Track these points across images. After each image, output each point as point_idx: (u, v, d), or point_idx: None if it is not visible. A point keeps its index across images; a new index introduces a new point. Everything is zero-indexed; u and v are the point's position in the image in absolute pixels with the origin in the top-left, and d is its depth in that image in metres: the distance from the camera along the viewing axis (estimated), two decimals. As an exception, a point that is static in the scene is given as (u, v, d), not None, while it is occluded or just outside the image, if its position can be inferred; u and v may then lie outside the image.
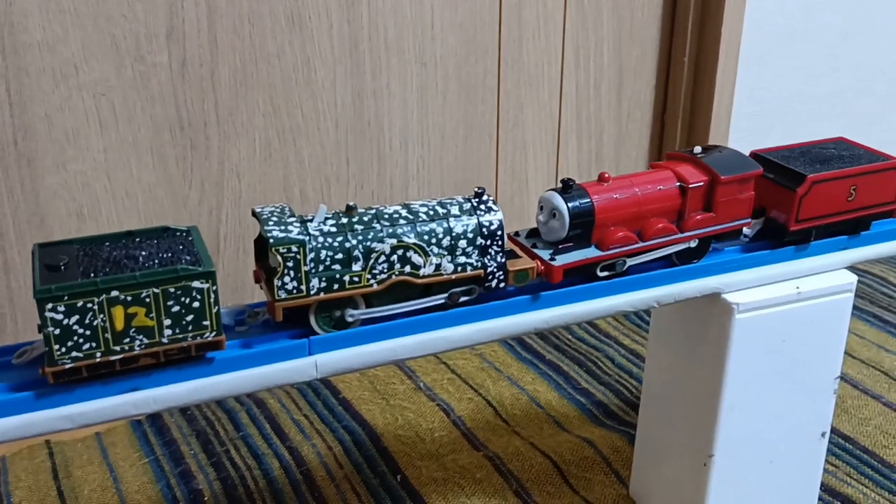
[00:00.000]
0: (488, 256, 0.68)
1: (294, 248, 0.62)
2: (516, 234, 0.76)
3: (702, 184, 0.75)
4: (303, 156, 1.18)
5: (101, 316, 0.58)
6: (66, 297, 0.57)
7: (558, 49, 1.32)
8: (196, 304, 0.60)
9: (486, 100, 1.29)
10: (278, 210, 0.66)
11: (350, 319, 0.65)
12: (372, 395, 1.16)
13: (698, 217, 0.76)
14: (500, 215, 0.68)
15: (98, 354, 0.59)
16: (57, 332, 0.57)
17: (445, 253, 0.67)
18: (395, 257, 0.65)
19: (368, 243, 0.65)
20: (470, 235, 0.67)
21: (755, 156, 0.82)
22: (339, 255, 0.64)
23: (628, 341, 1.29)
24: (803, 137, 0.90)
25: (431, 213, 0.67)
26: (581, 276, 0.73)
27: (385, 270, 0.65)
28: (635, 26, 1.38)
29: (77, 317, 0.57)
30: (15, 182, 1.01)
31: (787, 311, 0.78)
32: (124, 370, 0.60)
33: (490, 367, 1.23)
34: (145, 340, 0.60)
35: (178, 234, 0.64)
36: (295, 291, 0.63)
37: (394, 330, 0.66)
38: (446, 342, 0.68)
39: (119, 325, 0.58)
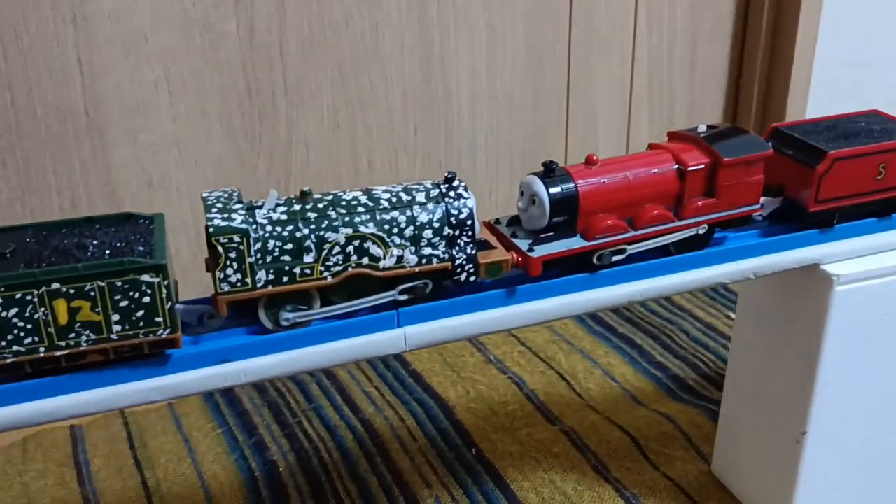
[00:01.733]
0: (457, 248, 0.62)
1: (237, 238, 0.57)
2: (497, 221, 0.70)
3: (702, 166, 0.69)
4: (370, 125, 1.16)
5: (43, 309, 0.54)
6: (2, 289, 0.53)
7: (630, 13, 1.28)
8: (146, 300, 0.56)
9: (555, 67, 1.25)
10: (226, 196, 0.61)
11: (285, 323, 0.60)
12: (442, 368, 1.15)
13: (699, 203, 0.69)
14: (471, 202, 0.62)
15: (41, 349, 0.55)
16: None
17: (408, 244, 0.61)
18: (350, 248, 0.60)
19: (322, 233, 0.59)
20: (436, 225, 0.62)
21: (776, 131, 0.76)
22: (289, 246, 0.59)
23: (703, 314, 1.25)
24: (890, 105, 0.85)
25: (394, 199, 0.62)
26: (570, 265, 0.67)
27: (340, 262, 0.60)
28: (709, -12, 1.33)
29: (16, 309, 0.54)
30: (86, 153, 1.01)
31: (891, 282, 0.75)
32: (72, 366, 0.57)
33: (561, 340, 1.20)
34: (92, 336, 0.56)
35: (140, 221, 0.60)
36: (239, 284, 0.58)
37: (478, 303, 0.64)
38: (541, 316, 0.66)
39: (62, 319, 0.55)
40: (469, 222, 0.62)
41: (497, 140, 1.24)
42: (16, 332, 0.54)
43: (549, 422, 1.03)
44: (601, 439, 0.99)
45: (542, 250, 0.65)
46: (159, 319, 0.56)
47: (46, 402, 0.57)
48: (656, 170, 0.69)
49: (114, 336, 0.56)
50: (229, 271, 0.58)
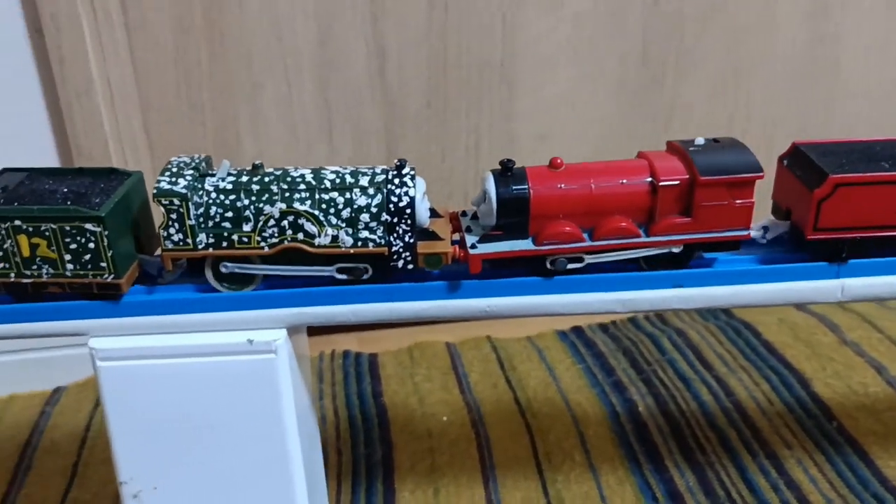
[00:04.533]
0: (395, 235, 0.63)
1: (176, 201, 0.62)
2: (463, 213, 0.70)
3: (677, 182, 0.64)
4: (750, 95, 1.19)
5: (10, 241, 0.62)
6: None
7: None
8: (91, 245, 0.62)
9: (954, 50, 1.20)
10: (187, 161, 0.65)
11: (223, 270, 0.64)
12: (795, 342, 1.16)
13: (672, 221, 0.65)
14: (412, 192, 0.63)
15: (12, 275, 0.64)
16: None
17: (344, 225, 0.63)
18: (285, 223, 0.63)
19: (260, 205, 0.63)
20: (374, 210, 0.63)
21: (795, 149, 0.69)
22: (230, 214, 0.63)
23: None
24: None
25: (337, 181, 0.63)
26: (528, 269, 0.66)
27: (276, 235, 0.63)
28: None
29: None
30: (495, 101, 1.13)
31: None
32: (41, 294, 0.65)
33: (923, 333, 1.17)
34: (51, 270, 0.63)
35: (120, 175, 0.67)
36: (181, 244, 0.63)
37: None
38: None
39: (25, 252, 0.63)
40: (408, 211, 0.63)
41: (881, 118, 1.22)
42: None
43: (914, 409, 1.02)
44: (976, 434, 0.97)
45: (484, 248, 0.65)
46: (104, 265, 0.63)
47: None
48: (625, 180, 0.65)
49: (68, 273, 0.63)
50: (171, 230, 0.63)
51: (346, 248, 0.63)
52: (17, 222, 0.62)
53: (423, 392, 1.10)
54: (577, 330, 1.23)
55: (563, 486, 0.92)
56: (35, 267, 0.63)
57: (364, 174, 0.64)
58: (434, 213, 0.68)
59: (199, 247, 0.63)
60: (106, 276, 0.63)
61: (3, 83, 0.98)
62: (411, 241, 0.64)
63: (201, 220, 0.63)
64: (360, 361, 1.17)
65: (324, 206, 0.63)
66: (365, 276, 0.65)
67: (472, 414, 1.04)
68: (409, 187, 0.63)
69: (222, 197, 0.63)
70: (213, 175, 0.64)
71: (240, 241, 0.63)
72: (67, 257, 0.63)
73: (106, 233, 0.62)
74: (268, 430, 0.66)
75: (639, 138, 1.18)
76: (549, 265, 0.65)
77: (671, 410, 1.04)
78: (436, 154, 1.15)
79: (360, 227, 0.63)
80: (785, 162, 0.70)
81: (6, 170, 0.68)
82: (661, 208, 0.65)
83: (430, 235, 0.66)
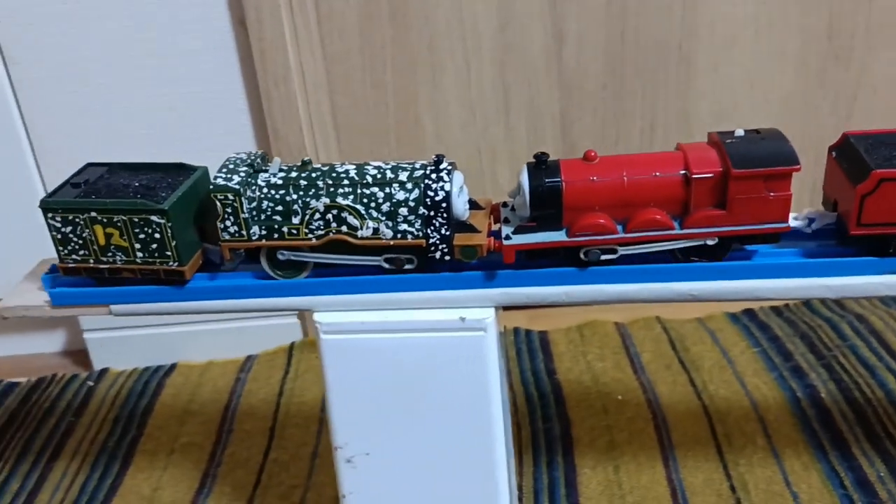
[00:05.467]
0: (432, 227, 0.66)
1: (231, 196, 0.66)
2: (504, 204, 0.71)
3: (711, 175, 0.64)
4: (944, 72, 1.13)
5: (87, 231, 0.68)
6: (60, 210, 0.68)
7: None
8: (157, 236, 0.68)
9: None
10: (243, 158, 0.69)
11: (281, 258, 0.69)
12: None
13: (707, 213, 0.65)
14: (447, 186, 0.65)
15: (91, 261, 0.70)
16: (59, 236, 0.70)
17: (384, 218, 0.66)
18: (330, 216, 0.66)
19: (307, 199, 0.66)
20: (412, 204, 0.66)
21: (845, 139, 0.66)
22: (280, 208, 0.67)
23: None
24: None
25: (378, 176, 0.66)
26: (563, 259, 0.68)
27: (322, 227, 0.67)
28: None
29: (70, 227, 0.69)
30: (672, 80, 1.13)
31: None
32: (116, 279, 0.71)
33: None
34: (123, 258, 0.69)
35: (187, 170, 0.72)
36: (237, 235, 0.68)
37: None
38: None
39: (101, 241, 0.69)
40: (444, 205, 0.65)
41: None
42: (72, 244, 0.70)
43: None
44: None
45: (518, 239, 0.66)
46: (168, 253, 0.69)
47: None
48: (658, 173, 0.65)
49: (138, 260, 0.69)
50: (227, 223, 0.67)
51: (386, 240, 0.67)
52: (94, 214, 0.68)
53: (596, 370, 1.11)
54: (750, 313, 1.21)
55: (745, 470, 0.92)
56: (110, 254, 0.70)
57: (404, 169, 0.67)
58: (474, 205, 0.71)
59: (253, 238, 0.68)
60: (171, 263, 0.69)
61: (209, 72, 1.05)
62: (447, 233, 0.66)
63: (254, 213, 0.68)
64: (531, 338, 1.19)
65: (365, 200, 0.67)
66: (408, 266, 0.68)
67: (647, 394, 1.05)
68: (445, 182, 0.66)
69: (273, 192, 0.68)
70: (265, 171, 0.69)
71: (289, 233, 0.68)
72: (137, 246, 0.69)
73: (170, 224, 0.67)
74: (475, 403, 0.70)
75: (821, 117, 1.15)
76: (582, 256, 0.67)
77: (856, 398, 1.01)
78: (610, 136, 1.15)
79: (399, 220, 0.66)
80: (833, 153, 0.70)
81: (89, 164, 0.75)
82: (696, 201, 0.65)
83: (468, 228, 0.68)
